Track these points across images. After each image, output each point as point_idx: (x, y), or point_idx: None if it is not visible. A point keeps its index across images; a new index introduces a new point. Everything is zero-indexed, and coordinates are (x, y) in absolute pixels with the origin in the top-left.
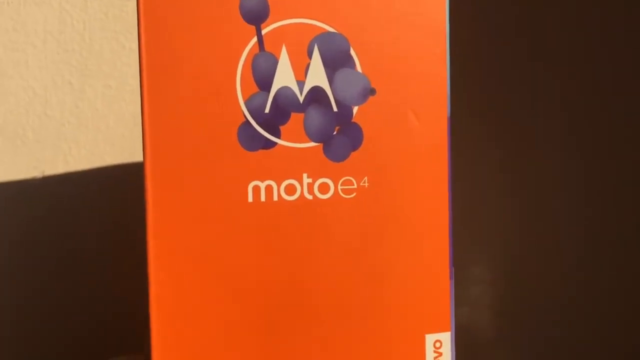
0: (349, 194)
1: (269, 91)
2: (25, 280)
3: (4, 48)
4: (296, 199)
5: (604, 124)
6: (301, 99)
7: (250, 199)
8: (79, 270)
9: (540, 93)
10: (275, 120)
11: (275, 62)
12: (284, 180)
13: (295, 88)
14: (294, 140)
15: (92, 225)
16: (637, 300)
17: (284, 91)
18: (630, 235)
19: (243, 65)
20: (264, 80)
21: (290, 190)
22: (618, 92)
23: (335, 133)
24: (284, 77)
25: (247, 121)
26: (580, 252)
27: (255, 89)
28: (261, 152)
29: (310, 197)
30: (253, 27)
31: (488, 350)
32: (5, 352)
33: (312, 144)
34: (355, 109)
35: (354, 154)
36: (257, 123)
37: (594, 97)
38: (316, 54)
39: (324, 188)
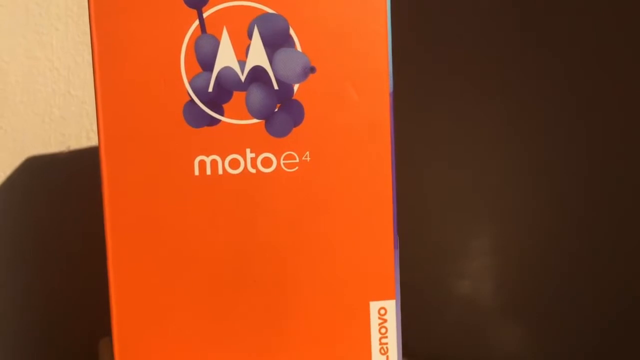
0: (292, 168)
1: (211, 71)
2: (48, 242)
3: (32, 32)
4: (240, 173)
5: (618, 110)
6: (243, 78)
7: (196, 173)
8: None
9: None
10: (218, 98)
11: (217, 44)
12: (228, 155)
13: (236, 68)
14: (237, 117)
15: None
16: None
17: (226, 71)
18: (633, 207)
19: (186, 48)
20: (206, 61)
21: (234, 164)
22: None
23: (276, 110)
24: (225, 57)
25: (192, 100)
26: (583, 227)
27: (198, 69)
28: (206, 128)
29: (253, 170)
30: (195, 11)
31: (490, 322)
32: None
33: (255, 120)
34: (295, 87)
35: (295, 130)
36: (202, 102)
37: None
38: (256, 34)
39: (266, 162)
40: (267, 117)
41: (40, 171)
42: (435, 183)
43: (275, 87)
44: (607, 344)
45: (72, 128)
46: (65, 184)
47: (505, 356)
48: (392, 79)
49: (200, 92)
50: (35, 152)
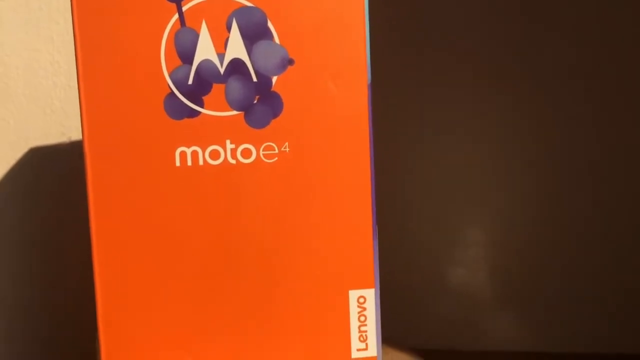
0: (271, 159)
1: (191, 64)
2: (49, 233)
3: (33, 26)
4: (220, 163)
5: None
6: (222, 70)
7: (177, 164)
8: None
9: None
10: (198, 90)
11: (196, 37)
12: (208, 146)
13: (215, 60)
14: (216, 109)
15: None
16: (636, 259)
17: (206, 64)
18: (630, 191)
19: (166, 41)
20: (186, 54)
21: (215, 155)
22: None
23: (255, 102)
24: (204, 50)
25: (172, 92)
26: (580, 220)
27: (178, 62)
28: (186, 120)
29: (233, 161)
30: (174, 5)
31: (485, 311)
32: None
33: (234, 112)
34: (274, 79)
35: (274, 121)
36: (182, 94)
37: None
38: (235, 27)
39: (246, 153)
40: (246, 108)
41: (42, 161)
42: (433, 176)
43: (254, 79)
44: (603, 332)
45: (73, 119)
46: (67, 174)
47: (499, 347)
48: (370, 70)
49: (180, 85)
50: (37, 143)
